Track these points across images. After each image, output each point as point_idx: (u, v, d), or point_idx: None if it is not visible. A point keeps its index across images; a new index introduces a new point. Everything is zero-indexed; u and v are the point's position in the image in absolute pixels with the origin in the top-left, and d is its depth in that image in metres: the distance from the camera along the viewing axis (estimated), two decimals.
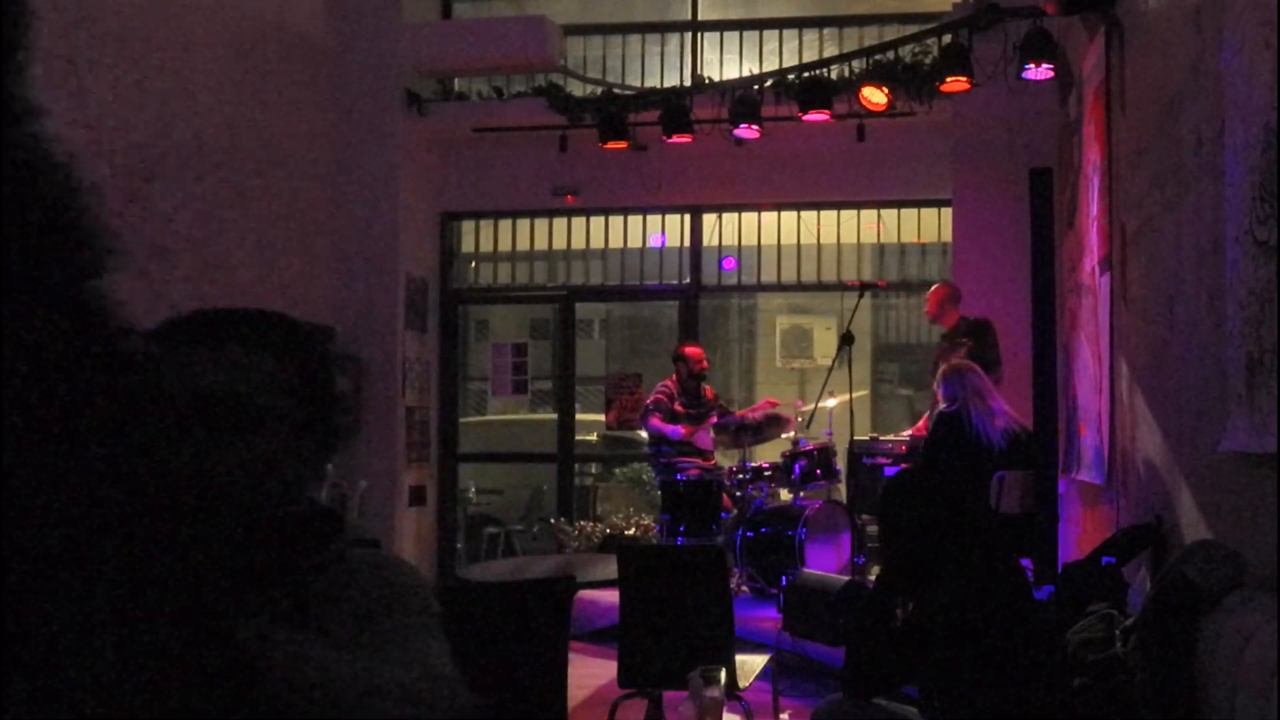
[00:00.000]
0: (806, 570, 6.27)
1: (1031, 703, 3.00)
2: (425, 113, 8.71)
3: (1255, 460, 2.92)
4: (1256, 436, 2.81)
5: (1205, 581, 2.98)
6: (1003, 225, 7.63)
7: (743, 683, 4.26)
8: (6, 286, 0.73)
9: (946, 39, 7.03)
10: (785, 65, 8.24)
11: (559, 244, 9.42)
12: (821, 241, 9.14)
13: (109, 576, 0.77)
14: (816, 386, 8.15)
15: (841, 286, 9.03)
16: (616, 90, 8.56)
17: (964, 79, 6.73)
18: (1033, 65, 6.30)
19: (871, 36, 8.53)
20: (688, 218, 9.20)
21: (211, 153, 7.29)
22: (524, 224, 9.39)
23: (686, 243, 9.22)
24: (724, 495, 7.60)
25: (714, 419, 7.92)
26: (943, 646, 3.01)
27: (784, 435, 7.90)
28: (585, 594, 6.33)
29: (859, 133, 8.23)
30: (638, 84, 8.95)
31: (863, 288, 7.77)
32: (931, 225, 8.95)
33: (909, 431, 7.77)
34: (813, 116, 7.42)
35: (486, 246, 9.64)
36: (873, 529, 6.85)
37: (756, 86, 7.69)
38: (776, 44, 8.92)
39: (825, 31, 9.00)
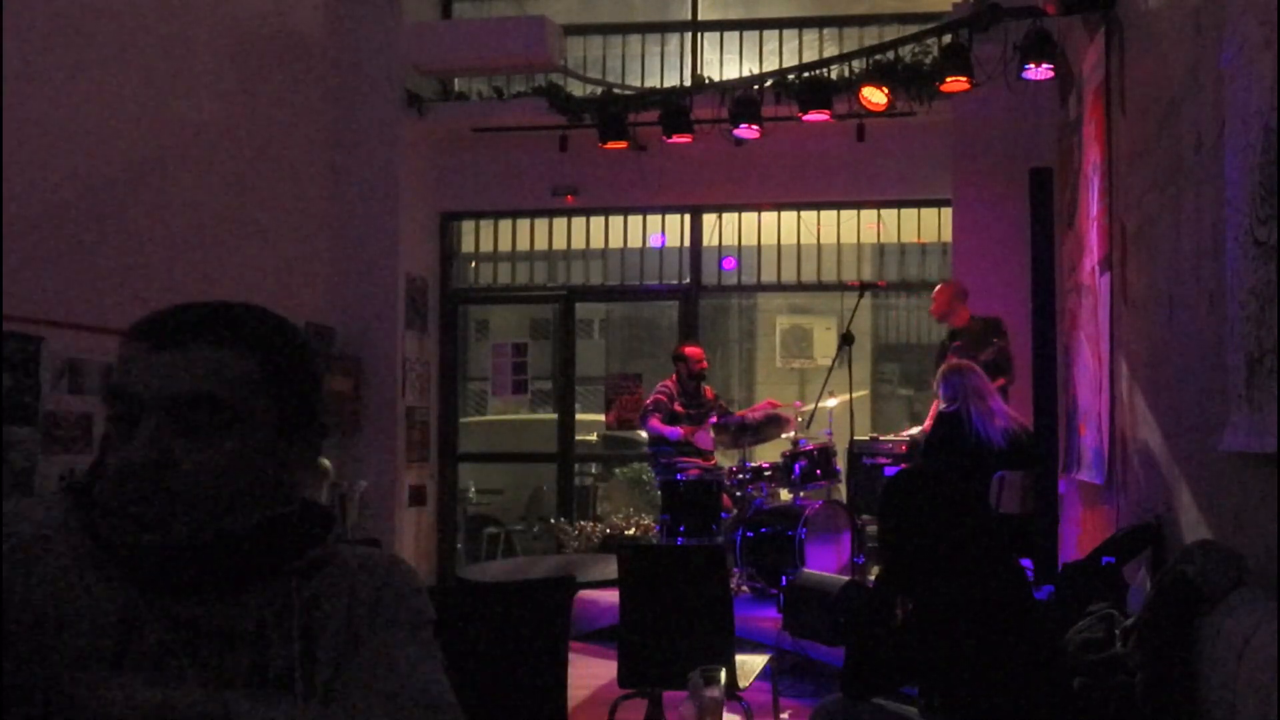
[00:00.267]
0: (806, 570, 6.27)
1: (1031, 703, 3.00)
2: (425, 113, 8.71)
3: (1255, 460, 2.92)
4: (1256, 436, 2.81)
5: (1205, 581, 2.98)
6: (1003, 225, 7.63)
7: (743, 683, 4.26)
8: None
9: (946, 39, 7.02)
10: (785, 65, 8.24)
11: (559, 244, 9.42)
12: (821, 241, 9.14)
13: None
14: (816, 386, 8.16)
15: (841, 286, 9.04)
16: (616, 90, 8.56)
17: (964, 79, 6.73)
18: (1033, 65, 6.30)
19: (871, 36, 8.53)
20: (688, 218, 9.20)
21: (211, 153, 7.29)
22: (524, 224, 9.39)
23: (686, 243, 9.22)
24: (724, 495, 7.60)
25: (714, 419, 7.92)
26: (943, 646, 3.01)
27: (784, 435, 7.89)
28: (585, 594, 6.33)
29: (859, 133, 8.23)
30: (638, 84, 8.95)
31: (863, 288, 7.77)
32: (931, 225, 8.95)
33: (915, 429, 7.79)
34: (813, 116, 7.42)
35: (486, 246, 9.64)
36: (873, 529, 6.85)
37: (756, 86, 7.69)
38: (776, 44, 8.92)
39: (825, 31, 9.01)
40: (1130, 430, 4.77)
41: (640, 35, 9.28)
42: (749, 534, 7.18)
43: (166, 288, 6.62)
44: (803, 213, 9.02)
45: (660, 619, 4.34)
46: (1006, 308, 7.22)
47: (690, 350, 8.12)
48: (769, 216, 9.08)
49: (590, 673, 5.76)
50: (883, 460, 7.39)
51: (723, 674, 2.91)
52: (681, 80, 8.77)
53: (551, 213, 9.27)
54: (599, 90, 8.62)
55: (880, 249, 9.18)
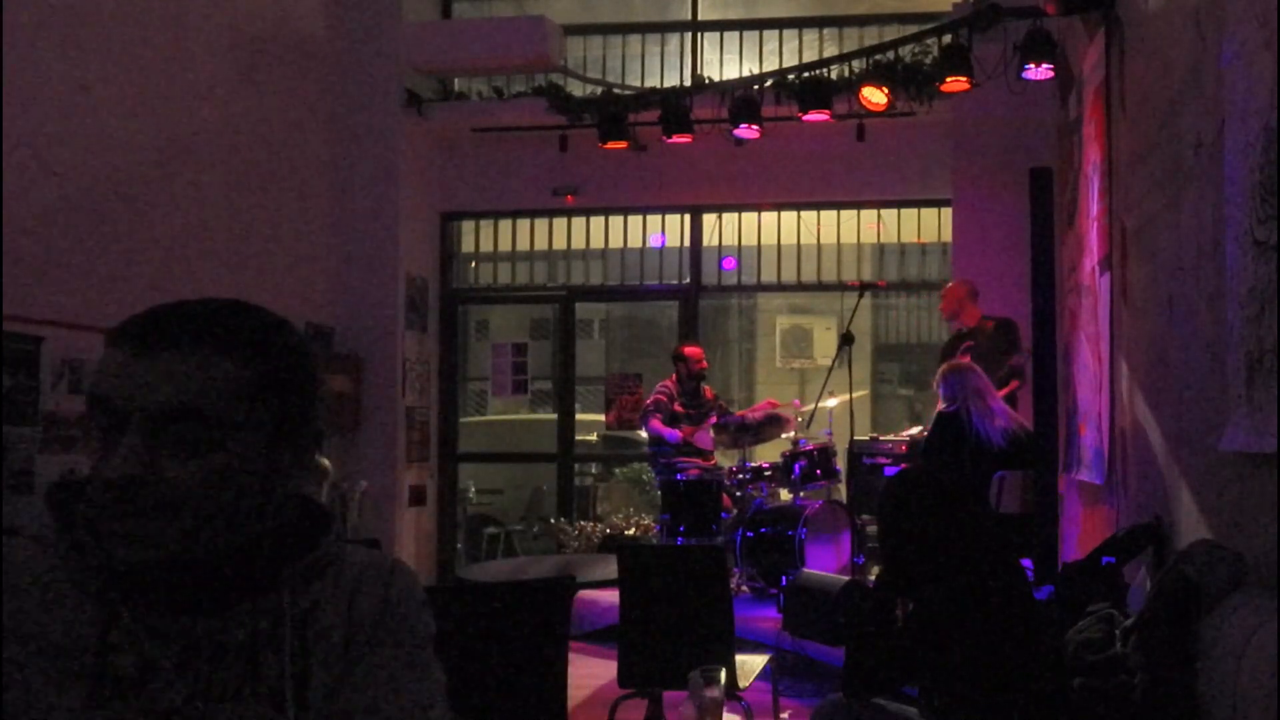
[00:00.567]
0: (806, 570, 6.26)
1: (1031, 703, 3.00)
2: (425, 113, 8.71)
3: (1255, 460, 2.92)
4: (1256, 436, 2.81)
5: (1205, 581, 2.98)
6: (1003, 225, 7.63)
7: (743, 683, 4.26)
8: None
9: (946, 39, 7.02)
10: (785, 65, 8.24)
11: (559, 244, 9.42)
12: (821, 241, 9.14)
13: None
14: (816, 386, 8.16)
15: (841, 286, 9.04)
16: (616, 90, 8.56)
17: (964, 79, 6.73)
18: (1033, 65, 6.30)
19: (871, 36, 8.53)
20: (688, 218, 9.20)
21: (211, 153, 7.29)
22: (524, 224, 9.39)
23: (686, 243, 9.23)
24: (724, 495, 7.60)
25: (714, 419, 7.92)
26: (943, 646, 3.01)
27: (784, 435, 7.90)
28: (585, 594, 6.33)
29: (859, 133, 8.23)
30: (638, 84, 8.95)
31: (863, 288, 7.77)
32: (931, 225, 8.95)
33: (915, 429, 7.79)
34: (813, 116, 7.42)
35: (486, 246, 9.64)
36: (873, 529, 6.85)
37: (756, 86, 7.69)
38: (776, 44, 8.92)
39: (825, 31, 9.01)
40: (1130, 430, 4.77)
41: (640, 35, 9.29)
42: (749, 534, 7.18)
43: (166, 288, 6.61)
44: (803, 213, 9.02)
45: (660, 619, 4.34)
46: (1006, 308, 7.22)
47: (690, 350, 8.12)
48: (769, 216, 9.08)
49: (590, 673, 5.76)
50: (883, 460, 7.39)
51: (723, 674, 2.91)
52: (681, 80, 8.77)
53: (551, 213, 9.27)
54: (599, 90, 8.62)
55: (880, 249, 9.18)
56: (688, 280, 9.25)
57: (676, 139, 7.79)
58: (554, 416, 9.57)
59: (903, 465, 7.08)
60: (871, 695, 3.21)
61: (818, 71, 7.48)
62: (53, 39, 6.09)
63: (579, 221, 9.38)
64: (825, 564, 6.86)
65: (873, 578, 3.50)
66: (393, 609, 1.33)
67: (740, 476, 7.60)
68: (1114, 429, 5.11)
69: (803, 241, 9.05)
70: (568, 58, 8.87)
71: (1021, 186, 6.39)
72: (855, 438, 7.67)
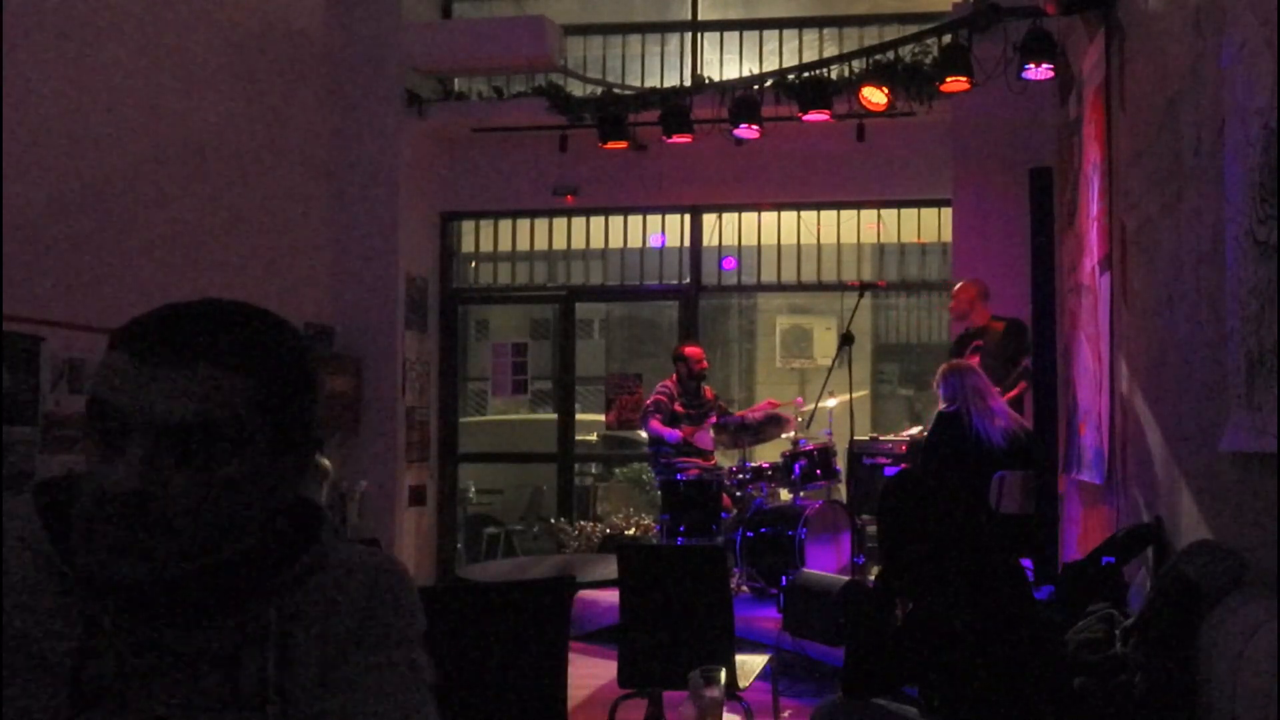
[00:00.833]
0: (806, 570, 6.27)
1: (1032, 703, 3.00)
2: (425, 113, 8.71)
3: (1255, 460, 2.92)
4: (1256, 436, 2.81)
5: (1205, 581, 2.98)
6: (1003, 225, 7.63)
7: (743, 683, 4.26)
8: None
9: (946, 39, 7.02)
10: (785, 65, 8.23)
11: (559, 244, 9.42)
12: (821, 241, 9.14)
13: None
14: (816, 386, 8.15)
15: (841, 286, 9.04)
16: (616, 90, 8.56)
17: (964, 79, 6.73)
18: (1033, 65, 6.30)
19: (871, 36, 8.53)
20: (688, 218, 9.20)
21: (211, 152, 7.29)
22: (524, 224, 9.39)
23: (686, 243, 9.23)
24: (724, 495, 7.60)
25: (714, 419, 7.92)
26: (943, 646, 3.01)
27: (784, 435, 7.90)
28: (585, 594, 6.33)
29: (859, 133, 8.23)
30: (638, 84, 8.95)
31: (863, 288, 7.77)
32: (931, 225, 8.95)
33: (915, 429, 7.79)
34: (813, 116, 7.42)
35: (486, 246, 9.64)
36: (873, 529, 6.85)
37: (756, 86, 7.69)
38: (776, 44, 8.92)
39: (825, 31, 9.01)
40: (1130, 430, 4.77)
41: (640, 35, 9.28)
42: (749, 534, 7.18)
43: (166, 287, 6.61)
44: (803, 213, 9.02)
45: (660, 619, 4.34)
46: (1007, 308, 7.22)
47: (690, 350, 8.12)
48: (769, 216, 9.08)
49: (590, 673, 5.76)
50: (883, 460, 7.39)
51: (723, 674, 2.91)
52: (681, 80, 8.77)
53: (551, 213, 9.27)
54: (599, 90, 8.62)
55: (880, 249, 9.18)
56: (688, 280, 9.25)
57: (676, 139, 7.79)
58: (554, 416, 9.57)
59: (903, 465, 7.08)
60: (871, 695, 3.22)
61: (818, 71, 7.48)
62: (53, 39, 6.09)
63: (579, 221, 9.38)
64: (825, 564, 6.86)
65: (873, 578, 3.50)
66: (377, 610, 1.30)
67: (740, 476, 7.60)
68: (1114, 429, 5.11)
69: (803, 241, 9.05)
70: (568, 58, 8.87)
71: (1021, 186, 6.39)
72: (855, 438, 7.67)
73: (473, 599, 3.59)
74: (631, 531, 8.50)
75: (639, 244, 9.45)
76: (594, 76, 9.00)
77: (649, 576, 4.42)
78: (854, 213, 8.95)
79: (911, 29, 7.75)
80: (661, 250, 9.35)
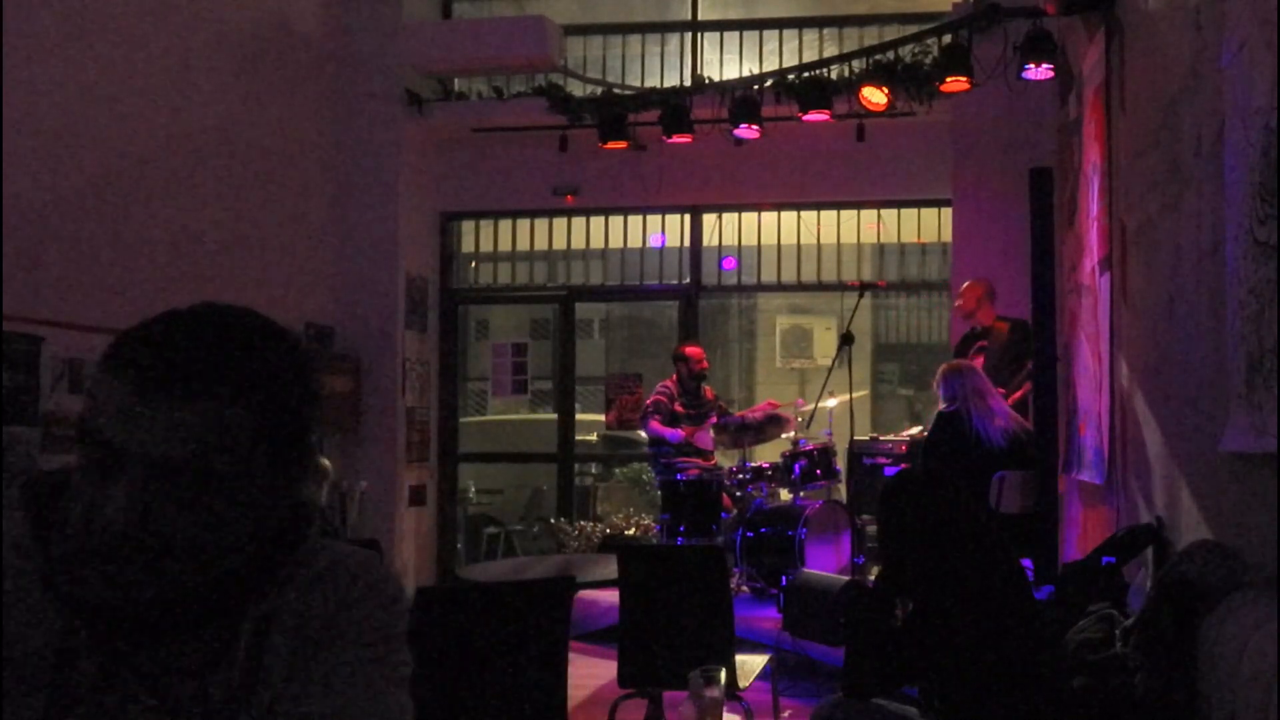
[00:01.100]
0: (806, 570, 6.27)
1: (1032, 703, 3.00)
2: (425, 113, 8.71)
3: (1255, 460, 2.92)
4: (1256, 436, 2.81)
5: (1205, 581, 2.98)
6: (1003, 225, 7.63)
7: (743, 683, 4.26)
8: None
9: (946, 39, 7.02)
10: (785, 65, 8.23)
11: (559, 244, 9.42)
12: (821, 241, 9.14)
13: None
14: (816, 386, 8.15)
15: (841, 286, 9.04)
16: (616, 90, 8.56)
17: (964, 79, 6.73)
18: (1033, 65, 6.30)
19: (871, 36, 8.53)
20: (688, 218, 9.20)
21: (211, 152, 7.29)
22: (524, 224, 9.39)
23: (686, 243, 9.23)
24: (724, 495, 7.60)
25: (714, 419, 7.92)
26: (943, 646, 3.01)
27: (784, 435, 7.90)
28: (585, 594, 6.33)
29: (859, 133, 8.22)
30: (638, 84, 8.95)
31: (863, 288, 7.77)
32: (931, 225, 8.95)
33: (915, 429, 7.79)
34: (813, 116, 7.42)
35: (486, 246, 9.64)
36: (873, 529, 6.85)
37: (756, 86, 7.69)
38: (776, 44, 8.92)
39: (825, 31, 9.01)
40: (1130, 430, 4.77)
41: (640, 35, 9.28)
42: (749, 534, 7.18)
43: (166, 287, 6.62)
44: (803, 213, 9.02)
45: (660, 619, 4.34)
46: (1007, 307, 7.22)
47: (691, 350, 8.13)
48: (769, 216, 9.08)
49: (590, 673, 5.76)
50: (883, 460, 7.39)
51: (723, 674, 2.91)
52: (681, 80, 8.77)
53: (551, 213, 9.27)
54: (599, 90, 8.62)
55: (880, 249, 9.18)
56: (688, 280, 9.25)
57: (676, 139, 7.79)
58: (554, 416, 9.57)
59: (903, 465, 7.08)
60: (871, 695, 3.21)
61: (818, 71, 7.48)
62: (53, 39, 6.09)
63: (579, 221, 9.38)
64: (825, 564, 6.86)
65: (873, 578, 3.50)
66: (353, 606, 1.26)
67: (740, 476, 7.60)
68: (1114, 429, 5.11)
69: (803, 241, 9.05)
70: (568, 58, 8.87)
71: (1021, 186, 6.39)
72: (855, 438, 7.67)
73: (473, 599, 3.60)
74: (631, 531, 8.50)
75: (639, 244, 9.45)
76: (594, 76, 9.00)
77: (649, 576, 4.42)
78: (854, 213, 8.94)
79: (911, 29, 7.75)
80: (661, 250, 9.35)
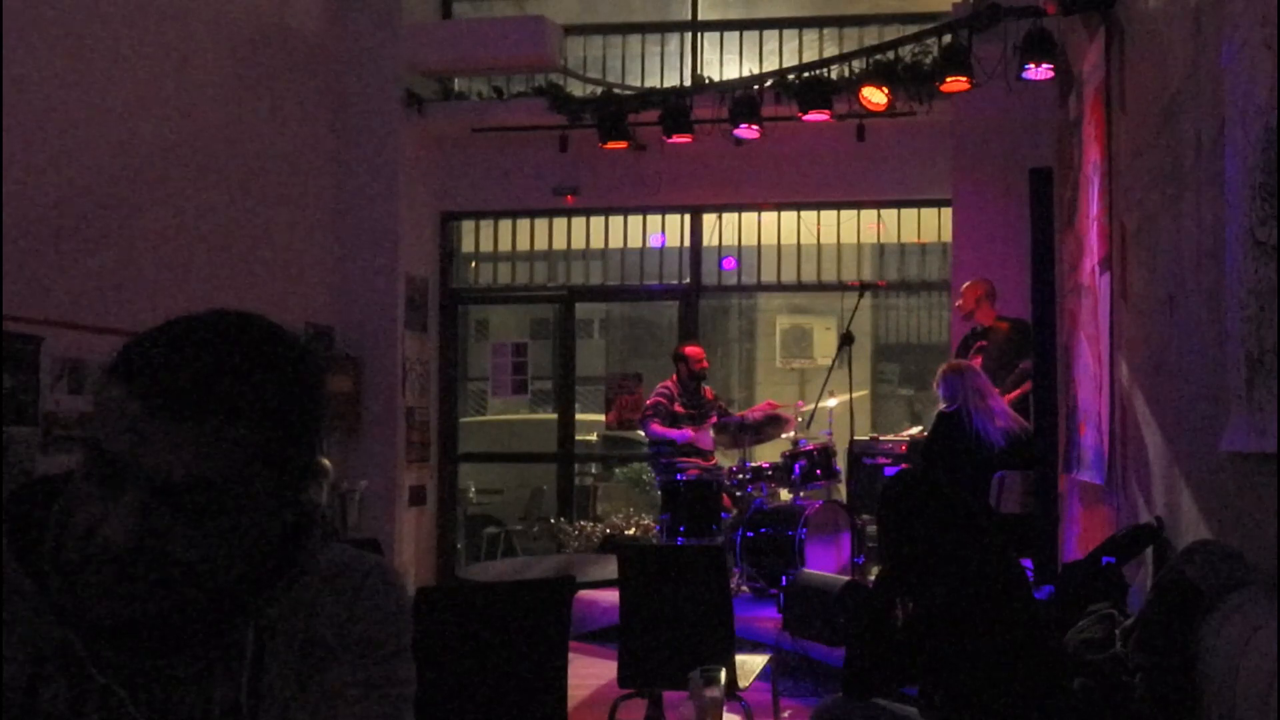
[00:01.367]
0: (806, 570, 6.27)
1: (1031, 703, 3.00)
2: (425, 113, 8.71)
3: (1255, 460, 2.92)
4: (1256, 436, 2.81)
5: (1205, 581, 2.98)
6: (1003, 225, 7.63)
7: (743, 683, 4.26)
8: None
9: (946, 39, 7.02)
10: (785, 65, 8.23)
11: (559, 244, 9.42)
12: (821, 241, 9.14)
13: None
14: (816, 386, 8.16)
15: (841, 286, 9.04)
16: (616, 90, 8.56)
17: (964, 79, 6.73)
18: (1033, 65, 6.30)
19: (871, 36, 8.53)
20: (688, 218, 9.20)
21: (211, 152, 7.29)
22: (524, 224, 9.39)
23: (686, 243, 9.23)
24: (724, 495, 7.60)
25: (714, 419, 7.92)
26: (943, 646, 3.01)
27: (784, 435, 7.90)
28: (585, 594, 6.33)
29: (859, 133, 8.23)
30: (638, 84, 8.95)
31: (863, 288, 7.78)
32: (931, 225, 8.95)
33: (915, 429, 7.79)
34: (813, 116, 7.42)
35: (486, 246, 9.64)
36: (873, 529, 6.85)
37: (756, 86, 7.69)
38: (776, 44, 8.92)
39: (825, 31, 9.01)
40: (1130, 430, 4.77)
41: (640, 35, 9.28)
42: (749, 534, 7.18)
43: (166, 287, 6.62)
44: (803, 213, 9.02)
45: (660, 619, 4.34)
46: (1007, 308, 7.22)
47: (691, 350, 8.13)
48: (769, 216, 9.08)
49: (590, 673, 5.76)
50: (883, 460, 7.39)
51: (723, 674, 2.91)
52: (681, 80, 8.77)
53: (551, 213, 9.27)
54: (599, 90, 8.62)
55: (880, 249, 9.18)
56: (688, 280, 9.25)
57: (676, 139, 7.79)
58: (554, 416, 9.57)
59: (903, 465, 7.08)
60: (871, 695, 3.22)
61: (818, 71, 7.48)
62: (53, 39, 6.09)
63: (579, 221, 9.38)
64: (825, 564, 6.86)
65: (873, 578, 3.50)
66: (359, 620, 1.24)
67: (740, 476, 7.60)
68: (1114, 429, 5.11)
69: (803, 241, 9.05)
70: (568, 58, 8.87)
71: (1021, 186, 6.39)
72: (855, 438, 7.67)
73: (473, 599, 3.60)
74: (631, 531, 8.50)
75: (639, 244, 9.45)
76: (594, 76, 9.00)
77: (649, 576, 4.42)
78: (854, 213, 8.94)
79: (911, 29, 7.75)
80: (661, 250, 9.35)
